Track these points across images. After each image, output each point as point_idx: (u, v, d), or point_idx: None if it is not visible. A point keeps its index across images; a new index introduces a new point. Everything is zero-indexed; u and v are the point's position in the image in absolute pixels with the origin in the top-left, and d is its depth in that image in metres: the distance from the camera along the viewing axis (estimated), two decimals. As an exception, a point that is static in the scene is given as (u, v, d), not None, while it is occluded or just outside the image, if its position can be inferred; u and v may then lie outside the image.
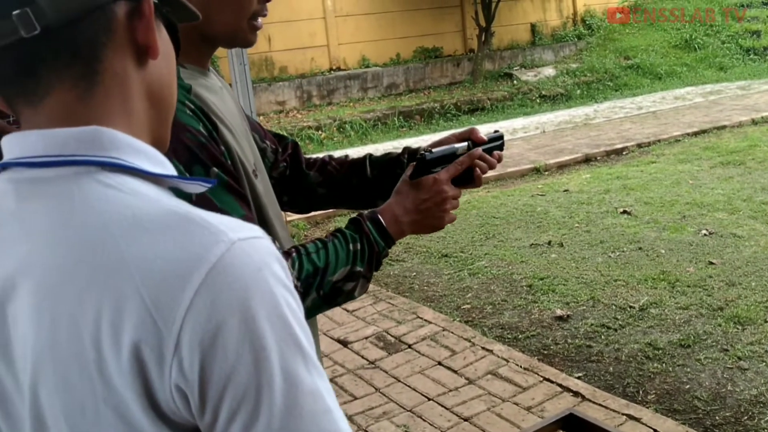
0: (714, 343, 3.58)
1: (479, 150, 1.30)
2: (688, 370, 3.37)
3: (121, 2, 0.68)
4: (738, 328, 3.71)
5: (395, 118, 10.91)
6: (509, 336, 3.88)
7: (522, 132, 9.63)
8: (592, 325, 3.89)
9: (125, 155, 0.68)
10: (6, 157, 0.70)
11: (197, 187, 0.75)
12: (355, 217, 1.25)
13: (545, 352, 3.69)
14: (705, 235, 5.06)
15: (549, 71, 12.97)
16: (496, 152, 1.35)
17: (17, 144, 0.69)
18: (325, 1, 12.18)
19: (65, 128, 0.67)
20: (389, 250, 1.26)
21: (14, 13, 0.63)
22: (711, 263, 4.54)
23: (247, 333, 0.60)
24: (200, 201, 1.01)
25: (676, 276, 4.38)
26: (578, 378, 3.35)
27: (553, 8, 14.50)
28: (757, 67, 12.88)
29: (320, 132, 10.36)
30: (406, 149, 1.47)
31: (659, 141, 8.20)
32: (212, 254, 0.61)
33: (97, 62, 0.68)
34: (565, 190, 6.60)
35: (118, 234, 0.62)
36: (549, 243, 5.19)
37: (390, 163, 1.46)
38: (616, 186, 6.55)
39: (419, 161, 1.26)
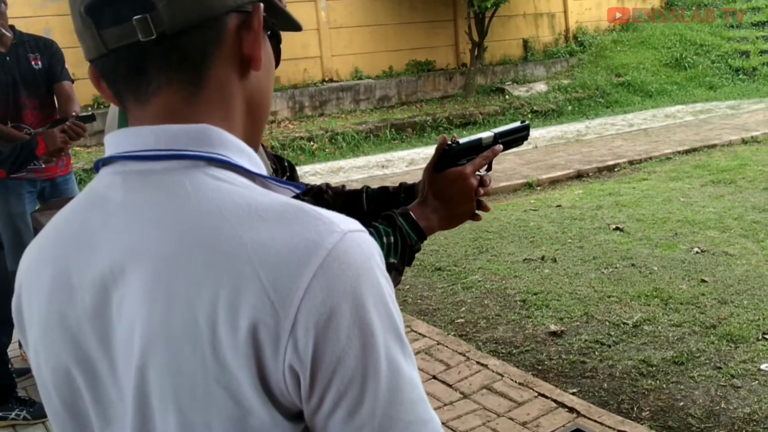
0: (707, 361, 3.60)
1: (500, 147, 1.32)
2: (682, 387, 3.38)
3: (232, 14, 0.72)
4: (731, 346, 3.72)
5: (387, 131, 10.92)
6: (503, 351, 3.88)
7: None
8: (586, 341, 3.90)
9: (231, 153, 0.72)
10: (111, 152, 0.73)
11: (287, 191, 0.76)
12: (387, 213, 1.28)
13: (540, 367, 3.69)
14: (697, 252, 5.08)
15: (541, 87, 13.04)
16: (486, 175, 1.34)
17: (125, 139, 0.72)
18: (318, 12, 12.21)
19: (176, 125, 0.71)
20: (421, 245, 1.28)
21: (135, 17, 0.67)
22: (703, 281, 4.56)
23: (357, 318, 0.63)
24: None
25: (669, 293, 4.40)
26: (573, 394, 3.35)
27: (546, 24, 14.60)
28: (746, 87, 13.01)
29: (312, 143, 10.36)
30: (403, 185, 1.48)
31: (651, 158, 8.24)
32: (328, 242, 0.64)
33: (205, 69, 0.71)
34: (557, 206, 6.63)
35: (235, 221, 0.65)
36: (542, 258, 5.20)
37: (386, 199, 1.47)
38: (608, 202, 6.58)
39: (444, 152, 1.28)
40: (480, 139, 1.31)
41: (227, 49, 0.72)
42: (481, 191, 1.28)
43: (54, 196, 3.82)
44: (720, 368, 3.52)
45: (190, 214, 0.67)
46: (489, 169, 1.33)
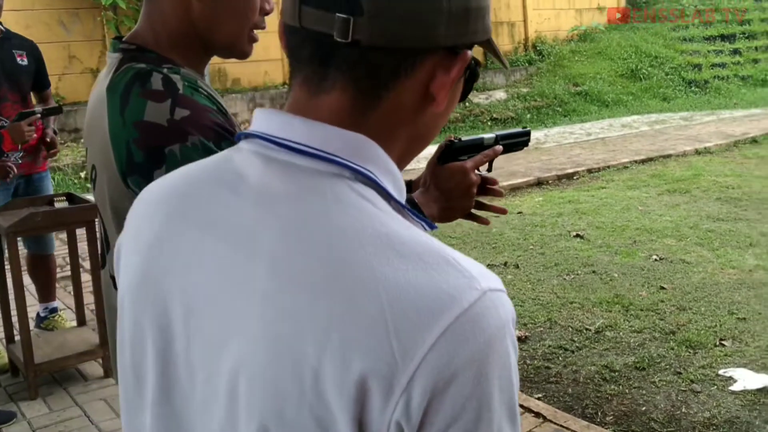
0: (668, 366, 3.67)
1: (500, 148, 1.36)
2: (644, 392, 3.45)
3: (438, 53, 0.67)
4: (690, 352, 3.81)
5: (349, 135, 10.92)
6: (469, 356, 3.91)
7: (475, 153, 9.74)
8: (549, 346, 3.95)
9: (378, 172, 0.67)
10: (256, 129, 0.69)
11: (419, 227, 0.70)
12: None
13: (505, 372, 3.71)
14: (656, 260, 5.19)
15: (500, 95, 13.18)
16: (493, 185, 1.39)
17: (276, 122, 0.68)
18: (279, 15, 12.14)
19: (333, 126, 0.66)
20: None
21: (338, 14, 0.63)
22: (662, 288, 4.66)
23: (477, 389, 0.57)
24: None
25: (630, 300, 4.48)
26: (538, 399, 3.39)
27: (506, 33, 14.78)
28: (698, 99, 13.37)
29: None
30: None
31: (608, 167, 8.40)
32: (465, 299, 0.57)
33: (385, 91, 0.67)
34: (518, 213, 6.70)
35: (371, 249, 0.59)
36: (505, 264, 5.25)
37: None
38: (568, 210, 6.68)
39: (447, 147, 1.31)
40: (482, 139, 1.35)
41: (416, 81, 0.67)
42: (474, 190, 1.31)
43: (28, 194, 3.74)
44: (680, 373, 3.60)
45: (325, 224, 0.62)
46: (489, 169, 1.37)
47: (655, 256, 5.25)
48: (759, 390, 3.42)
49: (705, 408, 3.28)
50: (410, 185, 1.46)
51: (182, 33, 1.21)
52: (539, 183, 7.93)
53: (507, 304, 0.60)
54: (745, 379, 3.52)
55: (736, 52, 15.07)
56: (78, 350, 3.56)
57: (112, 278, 1.27)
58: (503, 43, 14.70)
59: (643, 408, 3.32)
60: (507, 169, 8.57)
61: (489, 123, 11.97)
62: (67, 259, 5.58)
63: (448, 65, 0.67)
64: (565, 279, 4.92)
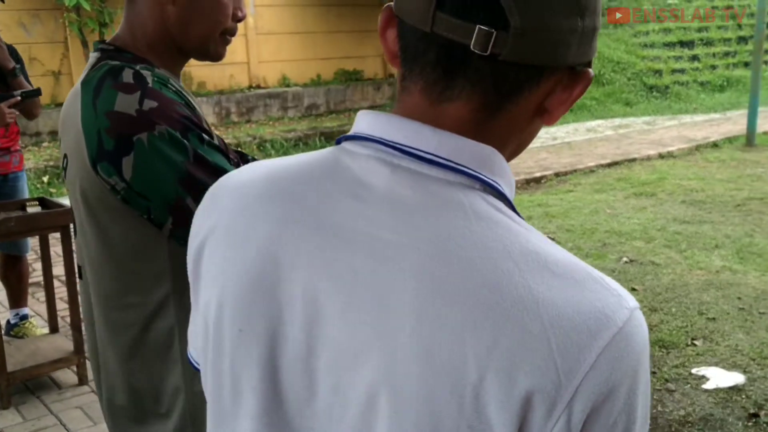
0: (642, 366, 3.74)
1: None
2: (621, 392, 3.50)
3: (562, 71, 0.67)
4: (663, 352, 3.88)
5: (317, 139, 10.89)
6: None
7: (443, 157, 9.80)
8: (526, 348, 3.99)
9: (504, 185, 0.67)
10: (370, 133, 0.68)
11: None
12: None
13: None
14: (626, 262, 5.28)
15: (466, 99, 13.30)
16: None
17: (399, 129, 0.66)
18: (246, 18, 12.09)
19: (463, 137, 0.65)
20: None
21: (480, 26, 0.62)
22: (633, 289, 4.74)
23: (627, 403, 0.60)
24: (195, 159, 1.14)
25: (602, 301, 4.55)
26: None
27: (471, 38, 14.92)
28: (660, 104, 13.64)
29: (239, 150, 10.22)
30: None
31: (575, 171, 8.52)
32: (618, 318, 0.59)
33: (509, 103, 0.66)
34: (489, 216, 6.75)
35: (524, 267, 0.60)
36: (479, 267, 5.29)
37: None
38: (538, 213, 6.76)
39: None
40: None
41: (537, 96, 0.67)
42: None
43: (2, 194, 3.66)
44: (654, 373, 3.66)
45: (472, 240, 0.61)
46: None
47: (625, 258, 5.34)
48: (731, 388, 3.50)
49: (680, 406, 3.35)
50: None
51: (158, 36, 1.27)
52: (508, 186, 8.00)
53: (644, 321, 0.63)
54: (717, 378, 3.61)
55: (694, 58, 15.42)
56: (52, 358, 3.48)
57: (79, 267, 1.33)
58: (469, 47, 14.83)
59: (621, 407, 3.37)
60: (476, 172, 8.65)
61: (456, 127, 12.05)
62: (35, 266, 5.48)
63: (569, 83, 0.68)
64: (538, 281, 4.97)
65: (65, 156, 1.27)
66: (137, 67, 1.19)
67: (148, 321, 1.22)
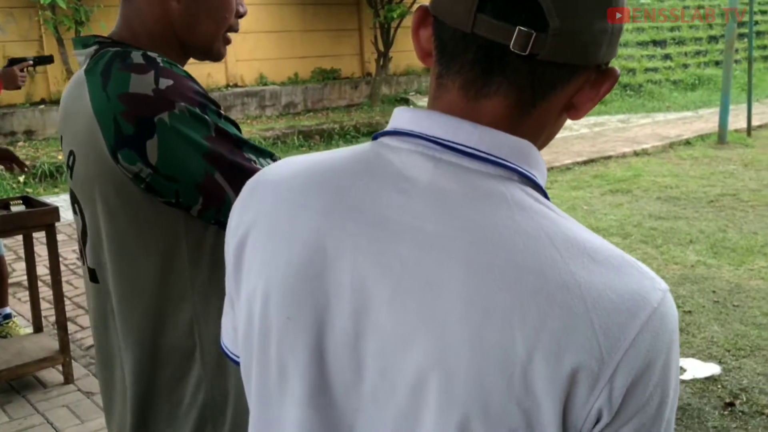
0: (621, 359, 3.82)
1: None
2: (601, 384, 3.58)
3: (591, 69, 0.70)
4: (641, 345, 3.97)
5: (295, 137, 10.90)
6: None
7: (421, 155, 9.86)
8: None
9: (539, 175, 0.71)
10: (409, 128, 0.71)
11: None
12: None
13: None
14: (603, 257, 5.38)
15: (443, 97, 13.36)
16: None
17: (439, 124, 0.69)
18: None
19: (501, 132, 0.69)
20: None
21: (519, 27, 0.65)
22: (611, 284, 4.83)
23: (663, 377, 0.65)
24: (217, 133, 1.11)
25: (582, 296, 4.63)
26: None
27: (447, 37, 14.99)
28: (634, 102, 13.82)
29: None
30: None
31: (552, 168, 8.63)
32: (653, 299, 0.65)
33: (542, 100, 0.70)
34: (469, 213, 6.82)
35: (566, 254, 0.64)
36: (460, 263, 5.36)
37: None
38: (516, 210, 6.84)
39: None
40: None
41: (568, 93, 0.71)
42: None
43: None
44: (633, 365, 3.75)
45: (516, 229, 0.65)
46: None
47: (602, 254, 5.44)
48: (707, 378, 3.60)
49: (658, 397, 3.43)
50: None
51: (160, 33, 1.22)
52: (487, 184, 8.09)
53: (674, 304, 0.68)
54: (694, 369, 3.70)
55: (667, 57, 15.64)
56: (37, 357, 3.48)
57: (91, 270, 1.26)
58: (445, 46, 14.91)
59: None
60: (454, 170, 8.72)
61: (433, 125, 12.11)
62: (14, 266, 5.44)
63: (597, 81, 0.72)
64: (518, 277, 5.05)
65: (71, 153, 1.20)
66: (142, 51, 1.14)
67: (167, 316, 1.19)
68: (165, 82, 1.09)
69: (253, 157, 1.13)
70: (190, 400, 1.21)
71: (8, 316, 3.97)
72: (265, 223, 0.75)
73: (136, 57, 1.12)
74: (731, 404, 3.34)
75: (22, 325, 4.08)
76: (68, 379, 3.59)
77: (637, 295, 0.64)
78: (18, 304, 4.61)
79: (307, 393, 0.71)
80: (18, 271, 5.32)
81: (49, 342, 3.64)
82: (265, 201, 0.76)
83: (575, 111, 0.73)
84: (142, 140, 1.07)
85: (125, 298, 1.20)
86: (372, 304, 0.68)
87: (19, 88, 3.52)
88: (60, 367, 3.60)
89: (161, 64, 1.11)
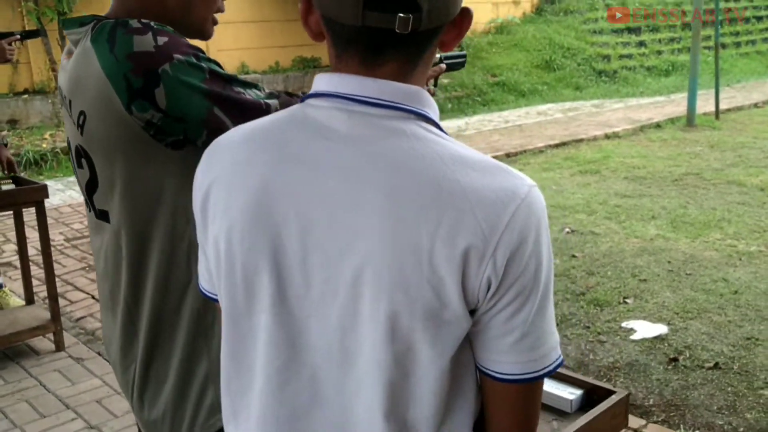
0: (578, 322, 4.10)
1: (444, 66, 1.64)
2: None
3: (456, 13, 0.90)
4: (597, 309, 4.25)
5: (276, 125, 11.09)
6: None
7: (399, 141, 10.09)
8: (474, 309, 4.32)
9: (432, 112, 0.91)
10: (326, 89, 0.90)
11: None
12: None
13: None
14: (568, 232, 5.66)
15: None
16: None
17: (347, 83, 0.89)
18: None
19: (396, 83, 0.88)
20: None
21: (400, 15, 0.82)
22: (574, 256, 5.11)
23: (535, 248, 0.85)
24: (212, 75, 1.28)
25: (545, 267, 4.90)
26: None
27: (426, 25, 15.18)
28: (608, 87, 14.11)
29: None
30: None
31: (525, 151, 8.89)
32: (521, 192, 0.84)
33: (424, 52, 0.90)
34: (443, 194, 7.07)
35: (453, 168, 0.84)
36: (432, 240, 5.61)
37: None
38: (488, 190, 7.09)
39: None
40: None
41: (438, 38, 0.90)
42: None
43: None
44: (588, 327, 4.03)
45: (414, 156, 0.84)
46: (435, 85, 1.65)
47: (567, 229, 5.72)
48: (655, 337, 3.88)
49: (609, 354, 3.71)
50: None
51: (154, 14, 1.35)
52: (461, 167, 8.33)
53: (541, 195, 0.88)
54: (644, 330, 3.99)
55: (641, 44, 15.93)
56: (30, 326, 3.71)
57: (102, 212, 1.41)
58: (424, 35, 15.11)
59: (557, 357, 3.72)
60: (431, 154, 8.96)
61: (412, 112, 12.34)
62: (4, 247, 5.65)
63: (458, 23, 0.91)
64: (486, 251, 5.31)
65: (81, 113, 1.35)
66: (138, 18, 1.29)
67: (176, 255, 1.34)
68: (162, 39, 1.26)
69: (242, 90, 1.32)
70: (193, 327, 1.38)
71: (0, 286, 4.19)
72: (223, 179, 0.94)
73: (134, 23, 1.29)
74: (675, 359, 3.63)
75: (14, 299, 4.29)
76: (59, 346, 3.82)
77: (508, 191, 0.84)
78: (9, 282, 4.82)
79: (269, 304, 0.91)
80: (7, 252, 5.52)
81: (41, 312, 3.86)
82: (222, 161, 0.95)
83: (445, 45, 0.92)
84: (150, 90, 1.25)
85: (137, 236, 1.35)
86: (313, 228, 0.87)
87: (8, 61, 3.65)
88: (51, 336, 3.83)
89: (155, 26, 1.30)
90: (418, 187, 0.83)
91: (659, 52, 15.96)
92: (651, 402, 3.29)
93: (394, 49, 0.87)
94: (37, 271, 4.58)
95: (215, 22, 1.46)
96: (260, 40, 12.83)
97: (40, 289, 4.26)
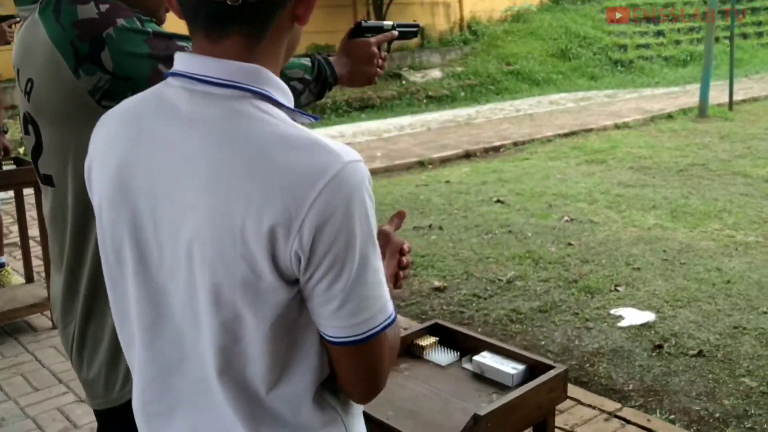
0: (567, 309, 4.14)
1: (396, 33, 1.75)
2: (544, 330, 3.90)
3: None
4: (588, 296, 4.28)
5: (288, 112, 11.17)
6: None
7: (409, 129, 10.16)
8: (465, 294, 4.37)
9: (272, 90, 0.96)
10: (179, 69, 0.96)
11: (307, 120, 1.02)
12: (309, 54, 1.66)
13: (423, 317, 4.13)
14: (567, 221, 5.68)
15: (436, 73, 13.60)
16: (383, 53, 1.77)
17: (195, 63, 0.95)
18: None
19: (235, 62, 0.94)
20: (333, 85, 1.66)
21: None
22: (570, 244, 5.14)
23: (345, 223, 0.89)
24: (155, 35, 1.35)
25: (540, 254, 4.94)
26: (451, 336, 3.81)
27: (441, 13, 15.18)
28: (623, 77, 14.03)
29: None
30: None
31: (533, 140, 8.90)
32: (332, 169, 0.88)
33: (269, 25, 0.95)
34: (446, 182, 7.13)
35: (272, 147, 0.90)
36: (430, 226, 5.67)
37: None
38: (492, 178, 7.14)
39: (357, 26, 1.71)
40: (383, 24, 1.76)
41: (287, 10, 0.95)
42: (374, 60, 1.69)
43: None
44: (577, 314, 4.06)
45: (240, 134, 0.90)
46: (388, 50, 1.77)
47: (566, 218, 5.74)
48: (642, 325, 3.91)
49: (595, 341, 3.75)
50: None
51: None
52: (467, 155, 8.38)
53: (361, 169, 0.91)
54: (632, 317, 4.02)
55: (660, 33, 15.80)
56: (28, 303, 3.82)
57: (47, 176, 1.48)
58: (439, 23, 15.11)
59: (542, 342, 3.77)
60: (438, 142, 9.01)
61: (425, 101, 12.38)
62: (12, 228, 5.78)
63: None
64: (483, 238, 5.36)
65: (28, 81, 1.43)
66: None
67: None
68: (104, 6, 1.36)
69: (185, 44, 1.39)
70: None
71: (2, 265, 4.31)
72: (98, 155, 1.04)
73: None
74: (660, 346, 3.65)
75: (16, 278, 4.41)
76: (56, 325, 3.91)
77: (318, 168, 0.88)
78: (13, 262, 4.95)
79: (134, 271, 1.00)
80: (14, 233, 5.65)
81: (39, 290, 3.97)
82: (100, 136, 1.05)
83: (301, 18, 0.98)
84: (97, 54, 1.32)
85: (81, 200, 1.38)
86: (159, 202, 0.95)
87: (8, 43, 3.75)
88: (48, 314, 3.94)
89: None
90: (238, 166, 0.89)
91: (678, 42, 15.82)
92: (630, 387, 3.32)
93: (234, 23, 0.93)
94: (37, 250, 4.69)
95: (168, 9, 1.47)
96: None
97: (41, 269, 4.37)
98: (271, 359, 0.95)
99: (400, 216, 1.33)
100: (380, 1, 12.87)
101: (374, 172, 7.67)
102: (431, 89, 12.73)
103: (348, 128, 10.49)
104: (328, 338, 0.96)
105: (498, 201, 6.30)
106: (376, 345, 0.97)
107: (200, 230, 0.91)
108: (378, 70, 1.73)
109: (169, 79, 0.99)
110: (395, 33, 1.75)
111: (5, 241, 5.08)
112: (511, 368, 1.72)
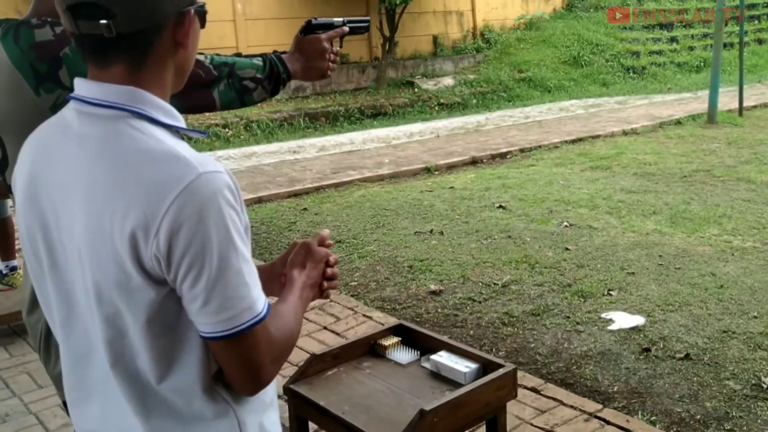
0: (559, 312, 4.21)
1: (347, 29, 1.86)
2: (535, 332, 3.98)
3: (173, 17, 1.07)
4: (581, 300, 4.35)
5: (301, 119, 11.34)
6: (389, 307, 4.40)
7: (418, 136, 10.26)
8: (460, 298, 4.46)
9: (150, 109, 1.08)
10: (75, 93, 1.10)
11: (195, 135, 1.19)
12: (262, 53, 1.78)
13: (418, 319, 4.22)
14: (566, 226, 5.75)
15: (448, 81, 13.70)
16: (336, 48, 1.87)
17: (85, 86, 1.09)
18: (234, 4, 12.49)
19: (115, 84, 1.07)
20: (287, 80, 1.79)
21: (101, 22, 1.01)
22: (567, 249, 5.21)
23: (199, 229, 1.00)
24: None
25: (536, 259, 5.02)
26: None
27: (455, 22, 15.29)
28: (635, 84, 14.04)
29: (227, 130, 10.66)
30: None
31: (540, 147, 8.97)
32: (186, 180, 1.00)
33: (148, 53, 1.08)
34: (450, 187, 7.22)
35: (136, 161, 1.02)
36: (431, 231, 5.77)
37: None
38: (496, 184, 7.22)
39: (308, 23, 1.82)
40: (333, 21, 1.86)
41: (165, 39, 1.07)
42: (326, 55, 1.80)
43: None
44: (568, 317, 4.14)
45: (111, 150, 1.03)
46: (341, 45, 1.89)
47: (566, 223, 5.81)
48: (631, 328, 3.97)
49: (584, 343, 3.82)
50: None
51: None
52: (474, 162, 8.47)
53: (218, 179, 1.02)
54: (622, 321, 4.08)
55: (673, 40, 15.78)
56: (35, 305, 3.96)
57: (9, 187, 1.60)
58: (452, 31, 15.22)
59: (532, 345, 3.85)
60: (446, 149, 9.10)
61: (436, 108, 12.48)
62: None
63: (181, 21, 1.09)
64: (482, 243, 5.45)
65: None
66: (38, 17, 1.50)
67: None
68: (59, 29, 1.49)
69: None
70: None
71: (14, 268, 4.48)
72: (17, 169, 1.18)
73: (34, 20, 1.52)
74: (647, 350, 3.71)
75: (27, 281, 4.56)
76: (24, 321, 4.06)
77: (173, 179, 1.00)
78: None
79: (49, 270, 1.13)
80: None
81: (47, 293, 4.11)
82: (23, 152, 1.19)
83: (182, 45, 1.10)
84: (55, 72, 1.46)
85: None
86: (58, 210, 1.09)
87: None
88: (56, 315, 4.08)
89: (50, 20, 1.50)
90: (108, 178, 1.02)
91: (691, 48, 15.79)
92: (615, 389, 3.39)
93: (116, 52, 1.05)
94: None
95: None
96: (289, 36, 12.55)
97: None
98: (155, 352, 1.06)
99: (320, 236, 1.40)
100: (392, 11, 13.00)
101: (380, 179, 7.79)
102: (443, 97, 12.83)
103: (358, 135, 10.61)
104: (201, 334, 1.06)
105: (500, 207, 6.38)
106: (249, 341, 1.06)
107: (83, 237, 1.04)
108: (330, 64, 1.85)
109: (70, 103, 1.12)
110: (346, 29, 1.86)
111: (17, 246, 5.26)
112: (464, 367, 1.81)
